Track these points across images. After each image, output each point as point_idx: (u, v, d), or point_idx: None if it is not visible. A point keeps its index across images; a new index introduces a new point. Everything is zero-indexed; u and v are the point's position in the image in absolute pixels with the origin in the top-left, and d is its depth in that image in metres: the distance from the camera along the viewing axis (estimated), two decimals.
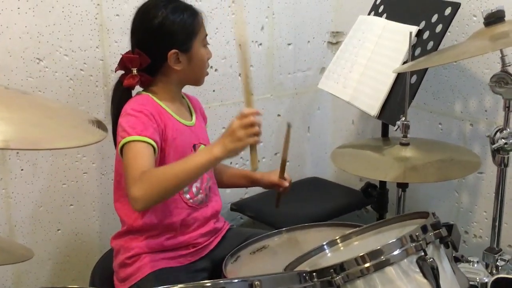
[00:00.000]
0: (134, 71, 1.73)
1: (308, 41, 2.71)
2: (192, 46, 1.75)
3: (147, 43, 1.73)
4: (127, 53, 1.75)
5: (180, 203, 1.77)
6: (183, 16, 1.73)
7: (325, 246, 1.56)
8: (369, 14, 2.40)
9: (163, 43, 1.72)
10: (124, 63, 1.74)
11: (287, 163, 1.97)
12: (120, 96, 1.77)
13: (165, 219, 1.75)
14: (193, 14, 1.75)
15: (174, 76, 1.77)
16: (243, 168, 2.57)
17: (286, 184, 1.99)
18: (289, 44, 2.64)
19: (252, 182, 2.06)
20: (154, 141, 1.64)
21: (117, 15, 2.12)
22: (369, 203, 2.53)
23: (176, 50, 1.72)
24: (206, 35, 1.80)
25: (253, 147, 1.58)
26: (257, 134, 1.55)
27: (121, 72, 1.77)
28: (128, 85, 1.75)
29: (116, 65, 1.76)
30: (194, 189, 1.80)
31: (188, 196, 1.79)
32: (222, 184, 2.02)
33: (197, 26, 1.76)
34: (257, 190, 2.38)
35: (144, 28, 1.74)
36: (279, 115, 2.68)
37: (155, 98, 1.76)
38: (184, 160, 1.59)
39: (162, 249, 1.77)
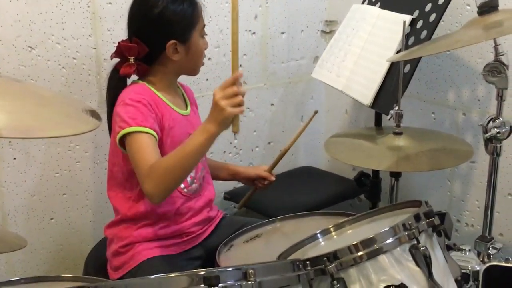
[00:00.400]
0: (131, 59, 1.72)
1: (302, 30, 2.70)
2: (191, 37, 1.73)
3: (146, 33, 1.72)
4: (124, 41, 1.74)
5: (175, 192, 1.76)
6: (183, 6, 1.71)
7: (318, 235, 1.56)
8: (362, 3, 2.40)
9: (162, 33, 1.70)
10: (121, 51, 1.73)
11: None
12: (116, 84, 1.77)
13: (159, 208, 1.75)
14: (193, 4, 1.74)
15: (171, 66, 1.76)
16: (236, 157, 2.58)
17: (273, 178, 1.99)
18: (282, 33, 2.63)
19: (232, 175, 2.06)
20: (155, 131, 1.64)
21: (110, 3, 2.11)
22: (362, 192, 2.54)
23: (175, 41, 1.71)
24: (204, 25, 1.79)
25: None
26: (241, 104, 1.53)
27: (116, 59, 1.76)
28: (124, 74, 1.74)
29: (109, 53, 1.75)
30: (188, 179, 1.79)
31: (182, 185, 1.78)
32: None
33: (196, 16, 1.74)
34: None
35: (143, 17, 1.72)
36: (272, 104, 2.67)
37: (152, 88, 1.75)
38: (183, 145, 1.58)
39: (155, 238, 1.77)
